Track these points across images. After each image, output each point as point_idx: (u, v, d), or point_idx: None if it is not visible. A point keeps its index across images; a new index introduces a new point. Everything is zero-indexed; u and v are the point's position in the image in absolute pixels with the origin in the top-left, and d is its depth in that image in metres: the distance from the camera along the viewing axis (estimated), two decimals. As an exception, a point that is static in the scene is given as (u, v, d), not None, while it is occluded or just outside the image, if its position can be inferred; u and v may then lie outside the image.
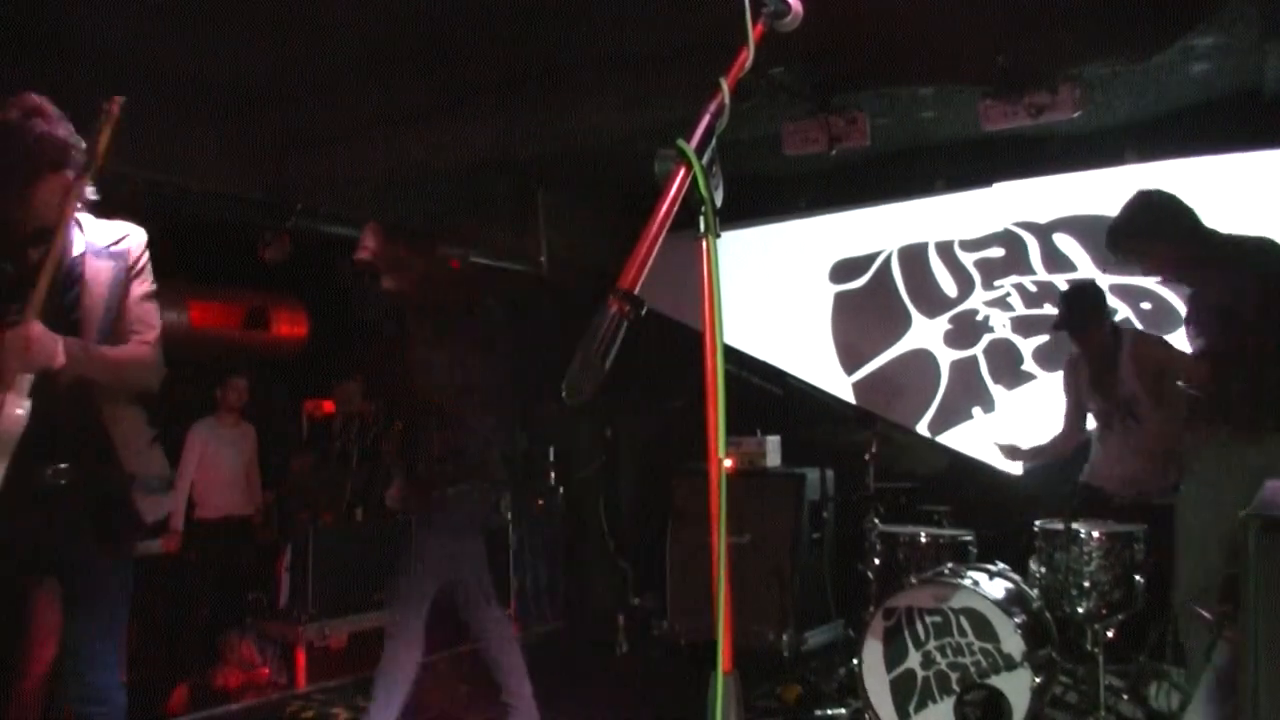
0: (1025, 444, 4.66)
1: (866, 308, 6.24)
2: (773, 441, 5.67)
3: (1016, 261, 5.73)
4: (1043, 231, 5.64)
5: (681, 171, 1.29)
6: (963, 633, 3.66)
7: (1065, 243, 5.58)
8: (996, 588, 3.77)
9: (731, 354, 6.30)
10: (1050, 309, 5.60)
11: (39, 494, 2.49)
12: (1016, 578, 3.97)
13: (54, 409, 2.48)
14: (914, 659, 3.75)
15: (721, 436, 1.26)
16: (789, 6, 1.46)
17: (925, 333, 6.06)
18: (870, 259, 6.25)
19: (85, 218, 2.66)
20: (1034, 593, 3.91)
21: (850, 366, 6.31)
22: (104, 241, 2.64)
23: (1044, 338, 5.58)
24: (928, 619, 3.74)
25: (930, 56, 4.33)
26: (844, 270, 6.35)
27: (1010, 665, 3.54)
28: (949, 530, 4.49)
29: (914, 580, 3.88)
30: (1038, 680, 3.51)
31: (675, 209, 1.29)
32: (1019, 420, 5.51)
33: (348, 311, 3.80)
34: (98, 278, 2.60)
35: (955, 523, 4.68)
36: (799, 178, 6.39)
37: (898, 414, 6.00)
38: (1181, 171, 5.08)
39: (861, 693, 3.84)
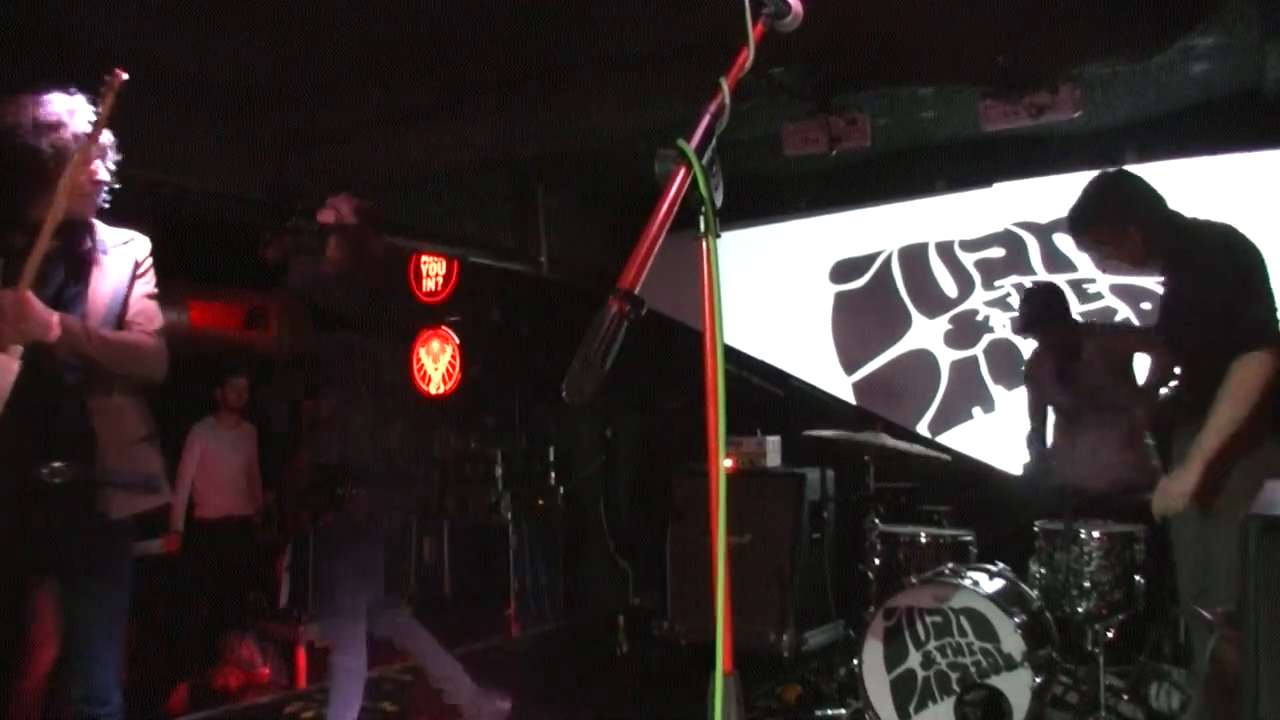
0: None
1: (867, 308, 6.24)
2: (773, 441, 5.67)
3: (1017, 261, 5.73)
4: (1043, 231, 5.64)
5: (681, 171, 1.29)
6: (963, 633, 3.66)
7: (1065, 243, 5.58)
8: (997, 588, 3.77)
9: (731, 354, 6.30)
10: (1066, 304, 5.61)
11: (36, 492, 2.49)
12: (1017, 578, 3.97)
13: (43, 404, 2.50)
14: (914, 659, 3.75)
15: (721, 436, 1.26)
16: (789, 6, 1.46)
17: (925, 333, 6.06)
18: (870, 259, 6.25)
19: (94, 222, 2.71)
20: (1034, 593, 3.91)
21: (850, 366, 6.31)
22: (111, 243, 2.70)
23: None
24: (928, 619, 3.74)
25: (930, 56, 4.33)
26: (844, 270, 6.35)
27: (1010, 665, 3.54)
28: (949, 530, 4.49)
29: (914, 580, 3.88)
30: (1038, 680, 3.51)
31: (675, 209, 1.28)
32: (1019, 420, 5.51)
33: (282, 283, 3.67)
34: (104, 275, 2.65)
35: (955, 523, 4.68)
36: (799, 178, 6.39)
37: (898, 414, 6.00)
38: (1181, 172, 5.08)
39: (862, 693, 3.84)
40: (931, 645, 3.72)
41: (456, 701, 3.86)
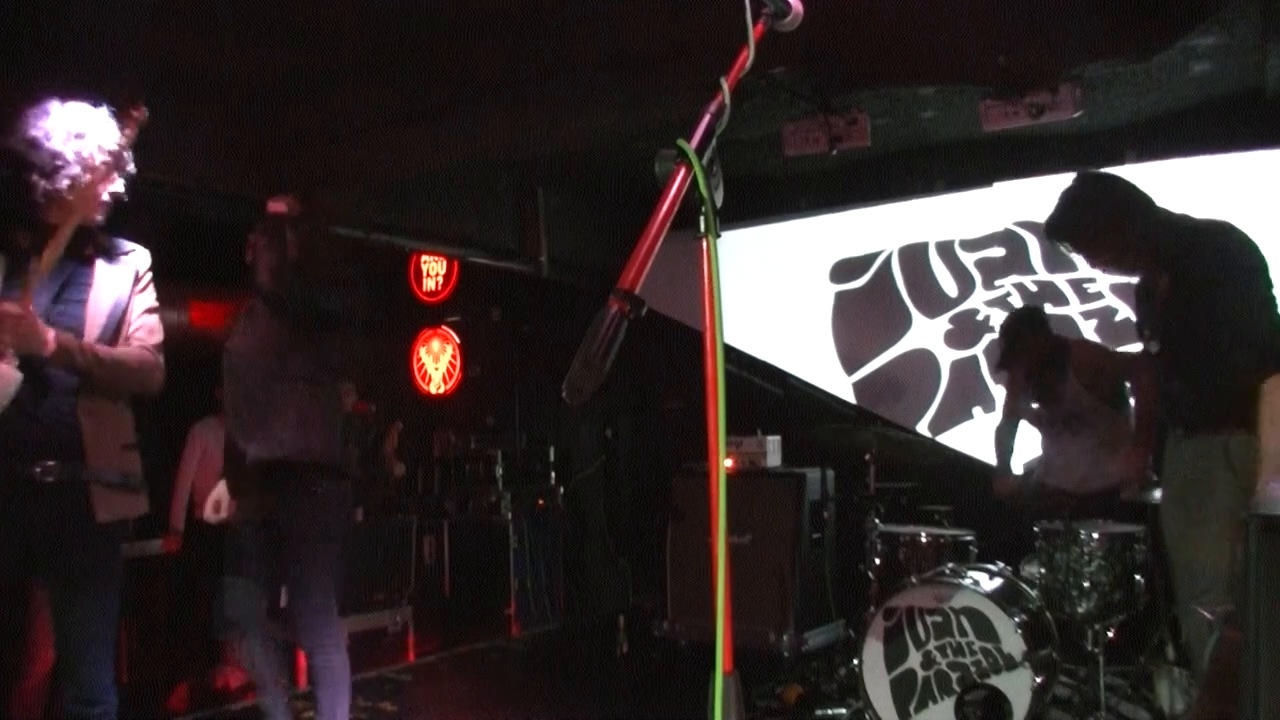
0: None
1: (867, 307, 6.24)
2: (773, 441, 5.67)
3: (1017, 261, 5.73)
4: (1043, 231, 5.64)
5: (682, 171, 1.29)
6: (963, 633, 3.66)
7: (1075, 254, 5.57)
8: (997, 588, 3.77)
9: (732, 354, 6.30)
10: (1051, 308, 5.59)
11: (26, 491, 2.51)
12: (1017, 578, 3.97)
13: (35, 404, 2.52)
14: (914, 659, 3.75)
15: (721, 436, 1.26)
16: (789, 6, 1.46)
17: (926, 332, 6.06)
18: (871, 259, 6.25)
19: (98, 230, 2.75)
20: (1034, 593, 3.91)
21: (850, 366, 6.31)
22: (114, 253, 2.76)
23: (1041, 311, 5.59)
24: (928, 619, 3.73)
25: (931, 56, 4.32)
26: (844, 270, 6.35)
27: (1011, 665, 3.54)
28: (949, 530, 4.48)
29: (914, 580, 3.88)
30: (1038, 680, 3.51)
31: (675, 209, 1.28)
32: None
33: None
34: (104, 286, 2.69)
35: (955, 523, 4.68)
36: (799, 178, 6.39)
37: (898, 414, 6.00)
38: (1182, 171, 5.08)
39: (862, 693, 3.84)
40: (932, 645, 3.72)
41: None
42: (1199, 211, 3.11)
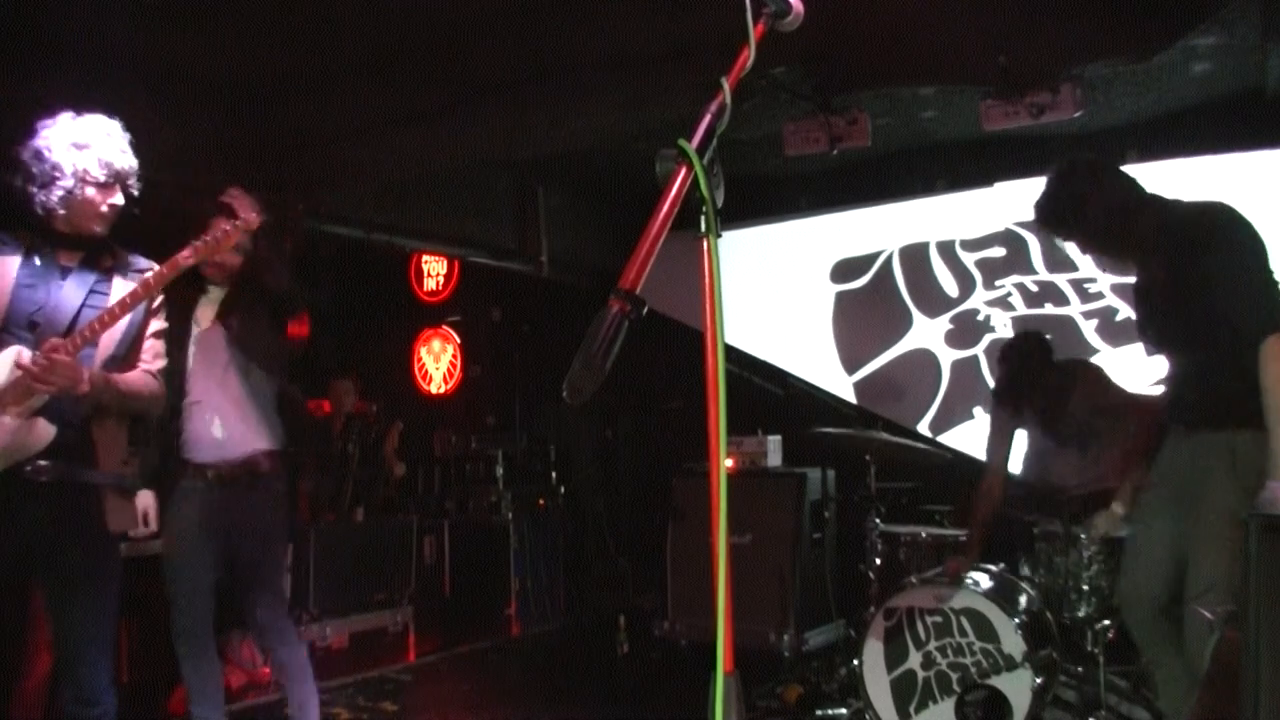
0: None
1: (867, 307, 6.24)
2: (773, 441, 5.67)
3: (1018, 261, 5.73)
4: (1044, 231, 5.63)
5: (682, 171, 1.29)
6: (963, 633, 3.66)
7: (1066, 242, 5.57)
8: (997, 588, 3.77)
9: (732, 354, 6.30)
10: (1051, 308, 5.60)
11: (19, 490, 2.53)
12: (1017, 578, 3.96)
13: (52, 412, 2.57)
14: (915, 659, 3.74)
15: (722, 436, 1.26)
16: (790, 6, 1.46)
17: (926, 332, 6.06)
18: (871, 259, 6.25)
19: (115, 244, 2.81)
20: (1034, 593, 3.91)
21: (851, 366, 6.31)
22: (129, 271, 2.81)
23: (1045, 338, 5.57)
24: (928, 619, 3.73)
25: (931, 56, 4.32)
26: (845, 270, 6.35)
27: (1011, 665, 3.53)
28: (949, 530, 4.48)
29: (915, 580, 3.87)
30: (1039, 681, 3.51)
31: (676, 209, 1.28)
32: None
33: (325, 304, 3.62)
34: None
35: (956, 523, 4.68)
36: (799, 178, 6.39)
37: (899, 414, 6.00)
38: (1182, 171, 5.07)
39: (862, 693, 3.84)
40: (932, 645, 3.71)
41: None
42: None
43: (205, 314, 3.44)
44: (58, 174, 2.60)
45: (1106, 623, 3.70)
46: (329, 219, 5.47)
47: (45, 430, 2.55)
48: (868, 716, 3.82)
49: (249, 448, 3.37)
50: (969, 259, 5.92)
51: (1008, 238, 5.75)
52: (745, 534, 5.32)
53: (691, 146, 1.30)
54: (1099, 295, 5.49)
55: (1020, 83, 4.30)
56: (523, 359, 7.51)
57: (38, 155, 2.60)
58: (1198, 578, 2.69)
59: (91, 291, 2.69)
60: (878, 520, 4.42)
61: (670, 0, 3.70)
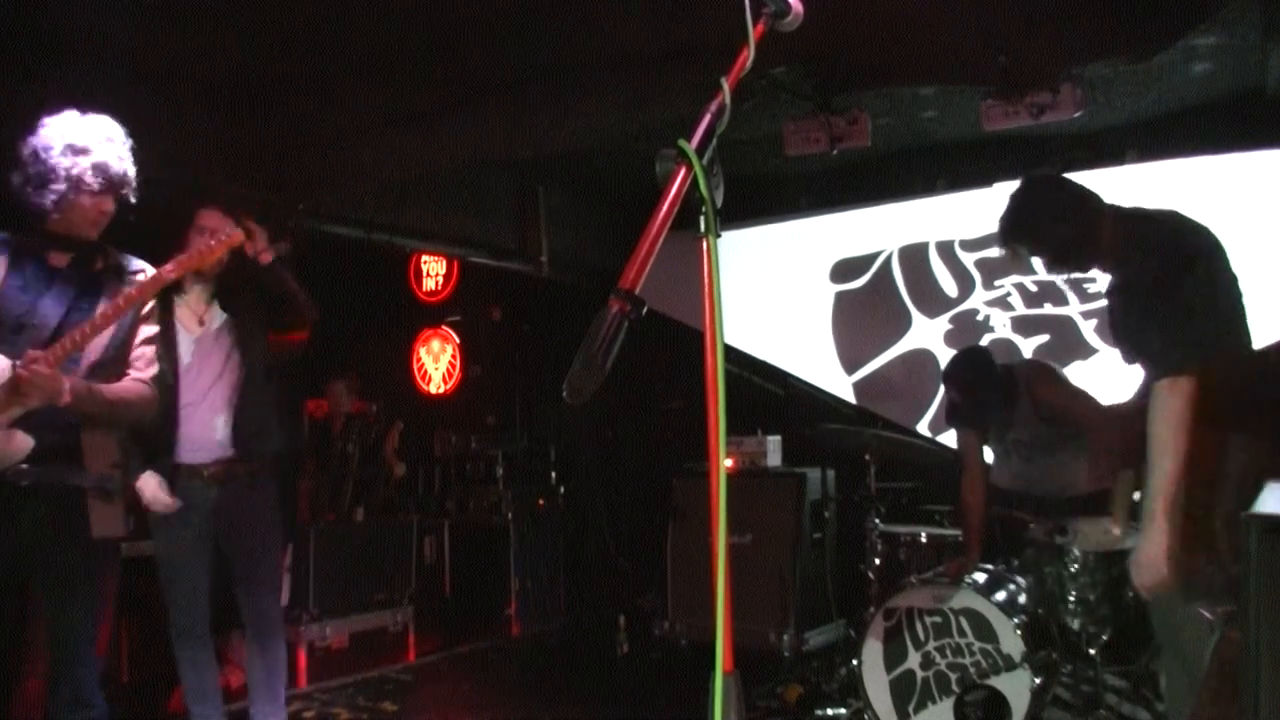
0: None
1: (867, 307, 6.24)
2: (773, 441, 5.67)
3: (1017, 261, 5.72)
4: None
5: (682, 171, 1.29)
6: (962, 633, 3.66)
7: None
8: (996, 588, 3.77)
9: (732, 354, 6.30)
10: (1051, 308, 5.60)
11: (6, 493, 2.53)
12: (1016, 579, 3.96)
13: (41, 419, 2.56)
14: (914, 659, 3.75)
15: (722, 436, 1.26)
16: (789, 6, 1.46)
17: (926, 332, 6.06)
18: (871, 259, 6.25)
19: (109, 246, 2.78)
20: (1030, 596, 3.90)
21: (851, 366, 6.31)
22: (122, 274, 2.77)
23: (1044, 337, 5.58)
24: (928, 619, 3.73)
25: (931, 56, 4.32)
26: (844, 270, 6.35)
27: (1010, 666, 3.53)
28: (949, 530, 4.48)
29: (914, 580, 3.88)
30: (1037, 681, 3.51)
31: (676, 209, 1.28)
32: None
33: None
34: (112, 305, 2.68)
35: (955, 523, 4.68)
36: (799, 178, 6.39)
37: (898, 414, 6.00)
38: (1183, 171, 5.08)
39: (861, 693, 3.84)
40: (931, 646, 3.72)
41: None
42: (1198, 211, 3.07)
43: (188, 315, 3.44)
44: (53, 177, 2.57)
45: (1100, 631, 3.69)
46: (329, 219, 5.47)
47: (24, 441, 2.52)
48: (867, 716, 3.82)
49: (244, 448, 3.39)
50: (968, 259, 5.92)
51: (1008, 238, 5.74)
52: (745, 534, 5.32)
53: (691, 146, 1.30)
54: (1098, 295, 5.49)
55: (1020, 83, 4.30)
56: (523, 359, 7.51)
57: (35, 155, 2.58)
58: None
59: (80, 295, 2.66)
60: (877, 520, 4.42)
61: (670, 0, 3.70)
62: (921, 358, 6.05)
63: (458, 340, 8.00)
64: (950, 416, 4.28)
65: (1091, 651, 3.75)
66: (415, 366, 8.20)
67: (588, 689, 5.25)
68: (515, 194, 6.47)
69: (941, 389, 5.94)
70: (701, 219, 1.31)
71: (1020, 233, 3.15)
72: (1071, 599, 3.65)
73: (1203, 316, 2.73)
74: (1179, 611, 2.69)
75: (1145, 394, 2.89)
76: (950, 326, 5.98)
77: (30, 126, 2.62)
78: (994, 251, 5.83)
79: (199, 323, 3.43)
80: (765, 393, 6.48)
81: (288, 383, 3.75)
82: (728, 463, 1.27)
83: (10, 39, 3.60)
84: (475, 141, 4.94)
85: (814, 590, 5.29)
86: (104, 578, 2.72)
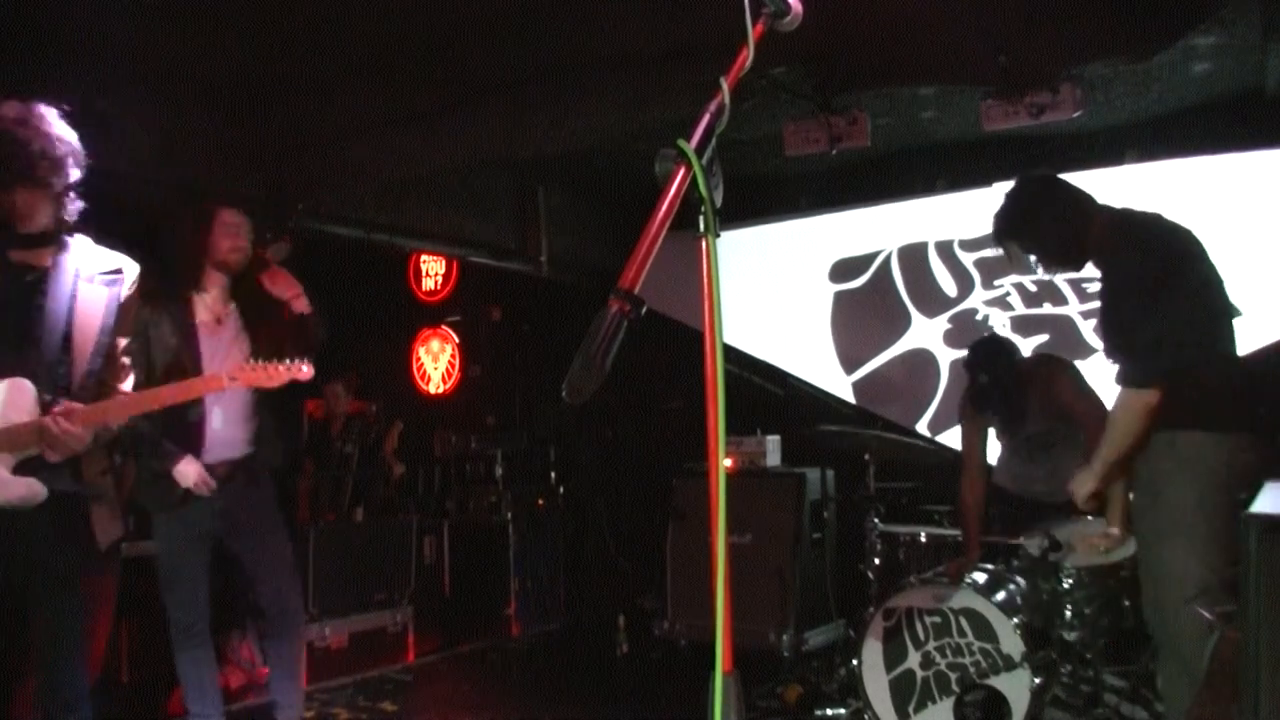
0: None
1: (866, 307, 6.24)
2: (773, 441, 5.67)
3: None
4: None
5: (681, 171, 1.29)
6: (962, 633, 3.66)
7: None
8: (996, 588, 3.77)
9: (731, 353, 6.30)
10: (1050, 308, 5.60)
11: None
12: (1016, 579, 3.96)
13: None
14: (914, 659, 3.75)
15: (721, 436, 1.26)
16: (789, 6, 1.46)
17: (925, 332, 6.06)
18: (870, 258, 6.25)
19: (79, 240, 2.68)
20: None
21: (850, 366, 6.31)
22: (98, 269, 2.67)
23: (1044, 337, 5.57)
24: (927, 619, 3.73)
25: (931, 56, 4.32)
26: (844, 270, 6.35)
27: (1010, 666, 3.53)
28: (949, 530, 4.48)
29: (914, 580, 3.88)
30: (1037, 681, 3.51)
31: (675, 209, 1.28)
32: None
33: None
34: (90, 312, 2.62)
35: (955, 523, 4.68)
36: (799, 178, 6.39)
37: (898, 414, 6.00)
38: (1182, 171, 5.08)
39: (861, 693, 3.84)
40: (931, 645, 3.72)
41: None
42: (1198, 211, 3.10)
43: (208, 314, 3.47)
44: (32, 166, 2.48)
45: (1099, 640, 3.69)
46: (329, 219, 5.47)
47: (38, 488, 2.52)
48: (867, 716, 3.82)
49: (252, 448, 3.49)
50: (968, 259, 5.92)
51: (1007, 238, 5.74)
52: (745, 534, 5.32)
53: (691, 146, 1.30)
54: (1097, 295, 5.49)
55: (1020, 83, 4.30)
56: (522, 359, 7.51)
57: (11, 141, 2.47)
58: (1172, 577, 2.73)
59: (34, 290, 2.56)
60: (877, 520, 4.42)
61: (670, 0, 3.70)
62: (921, 357, 6.05)
63: (457, 340, 8.00)
64: (968, 405, 4.26)
65: (1091, 652, 3.75)
66: (415, 366, 8.20)
67: (587, 689, 5.25)
68: (515, 194, 6.47)
69: (941, 389, 5.97)
70: (701, 219, 1.31)
71: (1012, 231, 3.21)
72: (1069, 613, 3.65)
73: (1177, 315, 2.79)
74: (1178, 612, 2.70)
75: None
76: (949, 326, 5.98)
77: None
78: (993, 251, 5.84)
79: (217, 321, 3.48)
80: (765, 393, 6.48)
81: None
82: (727, 463, 1.28)
83: (10, 39, 3.60)
84: (475, 141, 4.93)
85: (814, 590, 5.29)
86: (104, 579, 2.71)
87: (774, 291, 6.48)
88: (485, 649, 6.05)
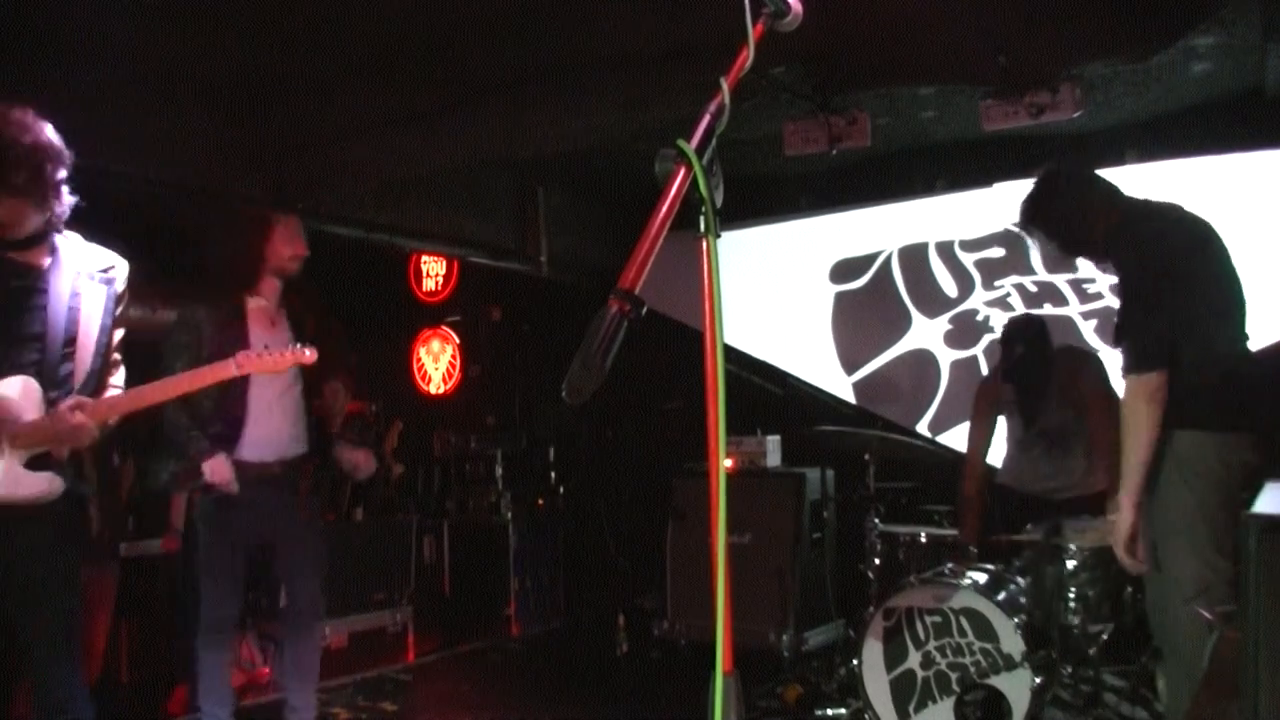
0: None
1: (867, 307, 6.24)
2: (773, 441, 5.67)
3: (1017, 261, 5.73)
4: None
5: (681, 171, 1.29)
6: (963, 633, 3.66)
7: (1050, 241, 5.57)
8: (996, 588, 3.77)
9: (732, 354, 6.30)
10: (1050, 308, 5.60)
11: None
12: (1016, 579, 3.97)
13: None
14: (914, 659, 3.75)
15: (721, 436, 1.26)
16: (789, 6, 1.46)
17: (925, 333, 6.06)
18: (870, 259, 6.25)
19: (72, 238, 2.67)
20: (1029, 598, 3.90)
21: (850, 366, 6.31)
22: (94, 267, 2.68)
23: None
24: (928, 619, 3.73)
25: (931, 56, 4.32)
26: (844, 270, 6.35)
27: (1010, 665, 3.53)
28: (949, 530, 4.48)
29: (914, 580, 3.87)
30: (1038, 680, 3.51)
31: (675, 209, 1.28)
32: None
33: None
34: (90, 310, 2.63)
35: (955, 523, 4.68)
36: (799, 178, 6.39)
37: (898, 414, 6.00)
38: (1182, 171, 5.08)
39: (861, 693, 3.84)
40: (931, 645, 3.72)
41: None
42: (1198, 211, 3.08)
43: (262, 316, 3.54)
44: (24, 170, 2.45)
45: (1100, 629, 3.70)
46: (329, 219, 5.47)
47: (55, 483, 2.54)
48: (867, 716, 3.82)
49: (298, 449, 3.62)
50: (968, 259, 5.92)
51: (1007, 238, 5.75)
52: (745, 534, 5.32)
53: (691, 146, 1.30)
54: (1098, 295, 5.49)
55: (1020, 83, 4.30)
56: (522, 359, 7.51)
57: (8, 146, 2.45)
58: (1172, 577, 2.73)
59: (34, 290, 2.55)
60: (877, 520, 4.42)
61: (670, 0, 3.70)
62: (921, 358, 6.05)
63: (457, 340, 8.00)
64: (991, 384, 4.41)
65: (1091, 651, 3.75)
66: (415, 366, 8.20)
67: (587, 689, 5.25)
68: (515, 194, 6.47)
69: (942, 389, 5.97)
70: (701, 219, 1.31)
71: (1035, 217, 3.20)
72: (1071, 597, 3.65)
73: (1175, 313, 2.78)
74: (1178, 612, 2.70)
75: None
76: (950, 327, 5.98)
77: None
78: (994, 252, 5.86)
79: (270, 324, 3.53)
80: (765, 393, 6.48)
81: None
82: (727, 463, 1.28)
83: (10, 39, 3.60)
84: (475, 141, 4.93)
85: (813, 590, 5.29)
86: (104, 578, 2.72)
87: (774, 292, 6.48)
88: (485, 649, 6.05)
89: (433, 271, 8.03)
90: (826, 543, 5.46)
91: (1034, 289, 5.69)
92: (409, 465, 7.13)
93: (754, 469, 5.60)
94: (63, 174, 2.55)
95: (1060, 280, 5.57)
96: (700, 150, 1.30)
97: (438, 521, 6.73)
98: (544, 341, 7.37)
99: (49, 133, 2.51)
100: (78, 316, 2.59)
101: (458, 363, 7.99)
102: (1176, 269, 2.84)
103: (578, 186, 6.68)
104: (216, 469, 3.39)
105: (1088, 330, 5.47)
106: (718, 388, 1.27)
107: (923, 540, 4.31)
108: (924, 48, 4.22)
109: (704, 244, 1.30)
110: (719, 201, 1.32)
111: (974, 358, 5.87)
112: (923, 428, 5.96)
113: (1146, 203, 3.02)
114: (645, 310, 1.24)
